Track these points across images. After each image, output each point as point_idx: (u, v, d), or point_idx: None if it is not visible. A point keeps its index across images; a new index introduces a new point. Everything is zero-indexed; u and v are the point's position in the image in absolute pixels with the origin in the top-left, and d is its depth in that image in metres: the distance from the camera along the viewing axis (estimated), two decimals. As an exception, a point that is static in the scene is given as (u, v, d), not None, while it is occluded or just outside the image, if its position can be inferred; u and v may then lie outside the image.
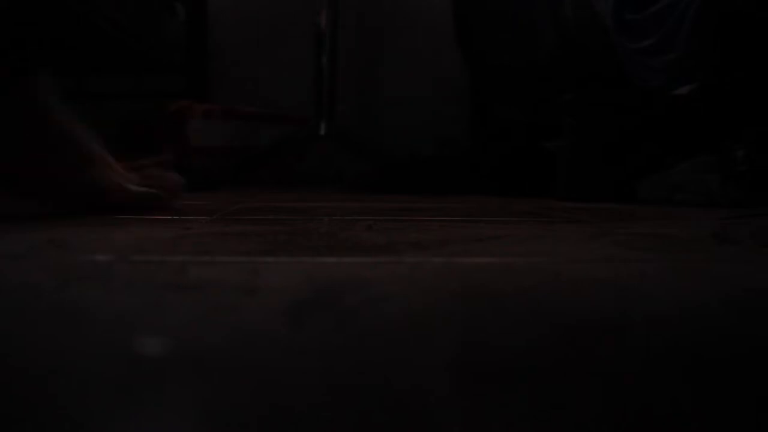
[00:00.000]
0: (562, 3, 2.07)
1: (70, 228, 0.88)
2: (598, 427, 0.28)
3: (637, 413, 0.29)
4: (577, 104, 1.78)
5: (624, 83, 1.90)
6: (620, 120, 1.73)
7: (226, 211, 1.22)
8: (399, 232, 0.88)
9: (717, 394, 0.32)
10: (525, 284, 0.55)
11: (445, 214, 1.20)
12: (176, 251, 0.69)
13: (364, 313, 0.45)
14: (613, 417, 0.29)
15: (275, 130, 2.70)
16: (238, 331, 0.40)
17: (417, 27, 2.98)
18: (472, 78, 2.55)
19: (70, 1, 1.11)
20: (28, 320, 0.43)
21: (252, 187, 2.38)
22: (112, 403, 0.30)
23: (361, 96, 3.02)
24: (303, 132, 2.65)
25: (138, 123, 2.59)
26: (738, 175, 1.49)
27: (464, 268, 0.61)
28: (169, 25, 2.55)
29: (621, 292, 0.52)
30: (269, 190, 2.22)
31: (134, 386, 0.32)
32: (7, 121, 0.88)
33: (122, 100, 2.88)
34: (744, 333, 0.42)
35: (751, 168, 1.48)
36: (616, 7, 1.93)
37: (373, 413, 0.29)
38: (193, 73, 2.94)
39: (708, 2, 1.71)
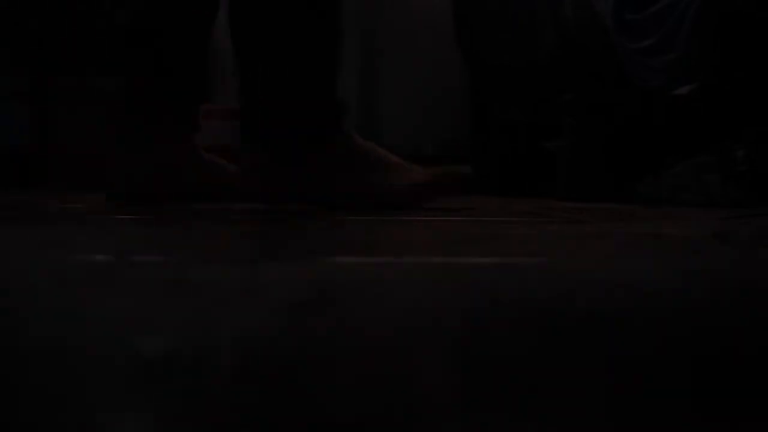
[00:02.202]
0: (562, 3, 2.07)
1: (70, 228, 0.88)
2: (596, 422, 0.28)
3: (634, 412, 0.30)
4: (577, 104, 1.77)
5: (624, 83, 1.90)
6: (620, 120, 1.73)
7: (226, 210, 1.22)
8: (399, 232, 0.89)
9: (716, 391, 0.32)
10: (525, 284, 0.55)
11: (445, 213, 1.20)
12: (176, 251, 0.69)
13: (363, 312, 0.45)
14: (612, 416, 0.29)
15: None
16: (238, 330, 0.40)
17: (417, 27, 2.97)
18: (472, 78, 2.54)
19: (71, 1, 1.11)
20: (28, 319, 0.43)
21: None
22: (111, 400, 0.30)
23: (361, 95, 3.02)
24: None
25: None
26: (738, 175, 1.49)
27: (464, 267, 0.61)
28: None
29: (621, 292, 0.52)
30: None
31: (132, 384, 0.32)
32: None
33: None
34: (741, 330, 0.42)
35: (751, 168, 1.48)
36: (616, 7, 1.93)
37: (372, 410, 0.29)
38: (193, 73, 2.94)
39: (708, 2, 1.71)
